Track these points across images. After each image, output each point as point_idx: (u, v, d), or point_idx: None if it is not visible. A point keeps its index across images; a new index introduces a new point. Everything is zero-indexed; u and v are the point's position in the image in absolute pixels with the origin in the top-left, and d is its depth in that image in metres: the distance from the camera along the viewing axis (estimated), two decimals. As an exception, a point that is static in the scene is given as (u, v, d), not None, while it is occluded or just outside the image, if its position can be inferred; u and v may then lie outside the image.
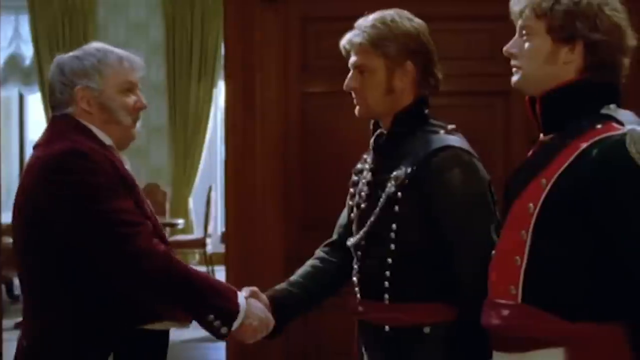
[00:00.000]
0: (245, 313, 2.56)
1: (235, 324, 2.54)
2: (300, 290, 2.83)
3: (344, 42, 2.70)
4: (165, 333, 2.67)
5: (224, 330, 2.53)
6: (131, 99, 2.67)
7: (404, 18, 2.67)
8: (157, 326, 2.61)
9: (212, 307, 2.52)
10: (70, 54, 2.69)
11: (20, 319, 8.96)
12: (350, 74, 2.69)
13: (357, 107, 2.71)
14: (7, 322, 7.64)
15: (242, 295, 2.60)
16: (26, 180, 2.60)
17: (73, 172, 2.49)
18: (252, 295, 2.67)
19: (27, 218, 2.57)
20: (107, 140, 2.64)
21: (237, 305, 2.55)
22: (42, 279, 2.56)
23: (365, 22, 2.66)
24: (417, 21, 2.69)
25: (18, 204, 2.60)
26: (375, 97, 2.66)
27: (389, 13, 2.67)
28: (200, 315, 2.53)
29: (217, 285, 2.61)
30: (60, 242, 2.51)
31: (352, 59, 2.69)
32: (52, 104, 2.69)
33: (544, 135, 2.27)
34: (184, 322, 2.66)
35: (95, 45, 2.71)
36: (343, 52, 2.72)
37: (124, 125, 2.65)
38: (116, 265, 2.49)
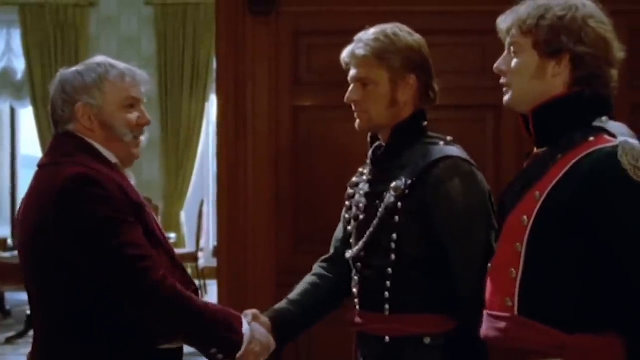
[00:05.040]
0: (249, 338, 2.56)
1: (239, 353, 2.55)
2: (300, 309, 2.83)
3: (345, 55, 2.70)
4: (179, 350, 2.63)
5: None
6: (133, 115, 2.61)
7: (405, 32, 2.68)
8: (171, 345, 2.57)
9: (216, 340, 2.53)
10: (73, 68, 2.64)
11: (11, 333, 8.87)
12: (351, 86, 2.70)
13: (358, 121, 2.71)
14: (-2, 337, 7.62)
15: (246, 321, 2.61)
16: (33, 202, 2.54)
17: (82, 201, 2.43)
18: (254, 318, 2.68)
19: (35, 244, 2.51)
20: (112, 159, 2.59)
21: (241, 335, 2.55)
22: (50, 305, 2.53)
23: (367, 35, 2.67)
24: (417, 36, 2.71)
25: (24, 228, 2.55)
26: (378, 109, 2.66)
27: (390, 27, 2.68)
28: (205, 348, 2.54)
29: (224, 316, 2.58)
30: (69, 272, 2.46)
31: (353, 71, 2.69)
32: (54, 120, 2.63)
33: (538, 149, 2.29)
34: None
35: (98, 59, 2.66)
36: (343, 64, 2.71)
37: (126, 142, 2.60)
38: (125, 299, 2.46)
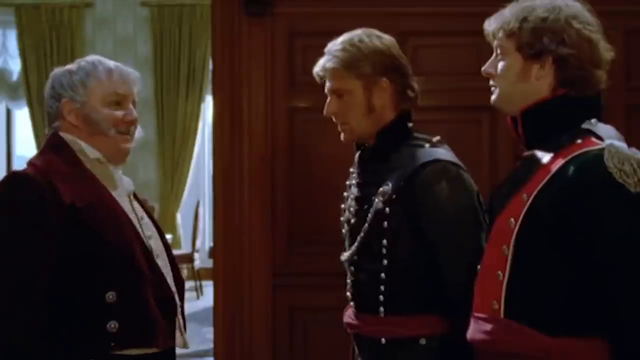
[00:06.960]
0: None
1: None
2: None
3: (317, 69, 2.72)
4: (171, 349, 2.59)
5: None
6: (119, 112, 2.60)
7: (373, 36, 2.69)
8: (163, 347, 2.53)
9: None
10: (65, 67, 2.66)
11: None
12: (328, 99, 2.71)
13: (342, 133, 2.72)
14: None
15: None
16: None
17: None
18: None
19: None
20: (94, 154, 2.59)
21: None
22: None
23: (334, 46, 2.69)
24: (386, 37, 2.71)
25: None
26: (357, 118, 2.68)
27: (357, 34, 2.69)
28: None
29: None
30: None
31: (328, 84, 2.71)
32: (47, 119, 2.66)
33: (527, 151, 2.29)
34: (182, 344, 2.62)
35: (90, 58, 2.67)
36: (317, 79, 2.73)
37: (109, 137, 2.60)
38: None
